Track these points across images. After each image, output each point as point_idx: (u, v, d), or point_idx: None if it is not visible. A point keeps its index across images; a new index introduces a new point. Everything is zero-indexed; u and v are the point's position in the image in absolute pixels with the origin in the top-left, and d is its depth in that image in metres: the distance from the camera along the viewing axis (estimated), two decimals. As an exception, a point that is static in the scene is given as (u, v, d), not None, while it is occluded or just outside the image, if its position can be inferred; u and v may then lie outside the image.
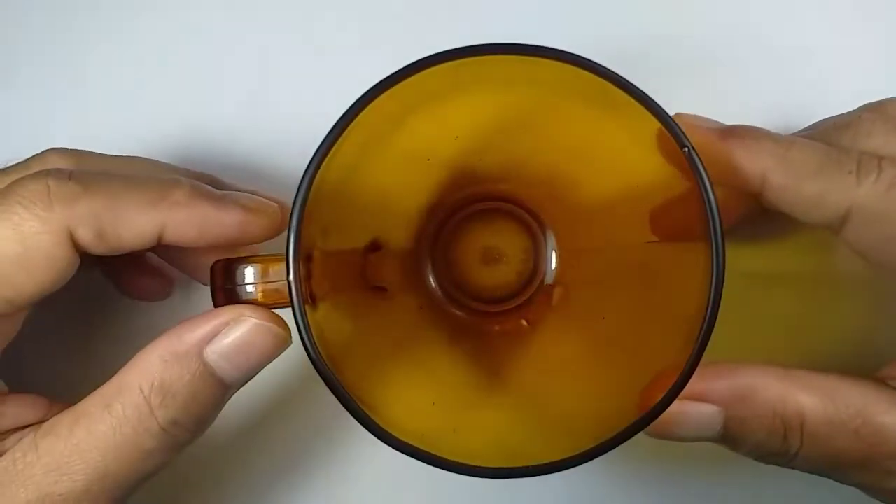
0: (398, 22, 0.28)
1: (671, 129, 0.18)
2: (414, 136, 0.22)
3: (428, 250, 0.27)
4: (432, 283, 0.27)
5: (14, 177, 0.21)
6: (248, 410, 0.27)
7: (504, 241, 0.27)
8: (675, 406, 0.18)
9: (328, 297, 0.21)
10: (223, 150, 0.27)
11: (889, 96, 0.23)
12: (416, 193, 0.25)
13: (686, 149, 0.18)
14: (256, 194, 0.22)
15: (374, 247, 0.25)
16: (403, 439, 0.19)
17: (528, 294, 0.27)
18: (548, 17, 0.28)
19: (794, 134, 0.24)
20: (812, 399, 0.20)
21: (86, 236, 0.19)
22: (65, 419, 0.20)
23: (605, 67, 0.18)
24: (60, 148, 0.23)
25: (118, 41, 0.28)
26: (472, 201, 0.27)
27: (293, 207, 0.18)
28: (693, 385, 0.19)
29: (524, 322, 0.27)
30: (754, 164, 0.20)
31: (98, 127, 0.27)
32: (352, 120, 0.18)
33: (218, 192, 0.21)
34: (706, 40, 0.27)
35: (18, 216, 0.19)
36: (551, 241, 0.27)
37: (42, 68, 0.28)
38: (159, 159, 0.26)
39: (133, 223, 0.20)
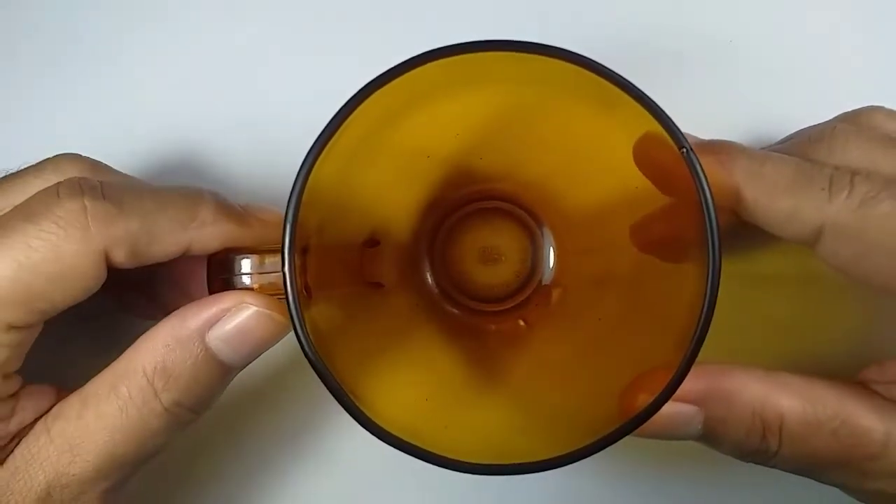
0: (394, 22, 0.28)
1: (669, 129, 0.18)
2: (412, 133, 0.22)
3: (426, 247, 0.27)
4: (429, 280, 0.27)
5: (28, 181, 0.22)
6: (241, 399, 0.27)
7: (502, 240, 0.27)
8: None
9: (324, 290, 0.21)
10: (220, 151, 0.27)
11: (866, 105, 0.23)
12: (414, 190, 0.25)
13: (684, 150, 0.18)
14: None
15: (372, 242, 0.25)
16: (394, 433, 0.19)
17: (526, 294, 0.27)
18: (544, 16, 0.28)
19: (770, 146, 0.24)
20: (791, 400, 0.21)
21: (119, 256, 0.20)
22: (73, 402, 0.21)
23: (602, 65, 0.18)
24: (74, 154, 0.23)
25: (113, 46, 0.28)
26: (471, 200, 0.27)
27: (289, 200, 0.18)
28: None
29: (521, 322, 0.27)
30: (728, 179, 0.21)
31: (93, 132, 0.27)
32: (348, 115, 0.18)
33: (239, 207, 0.22)
34: (693, 43, 0.27)
35: (56, 236, 0.19)
36: (549, 241, 0.27)
37: (39, 75, 0.28)
38: (158, 159, 0.26)
39: (164, 243, 0.20)
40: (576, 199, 0.25)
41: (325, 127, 0.18)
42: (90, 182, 0.20)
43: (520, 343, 0.26)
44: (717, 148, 0.21)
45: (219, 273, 0.21)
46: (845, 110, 0.24)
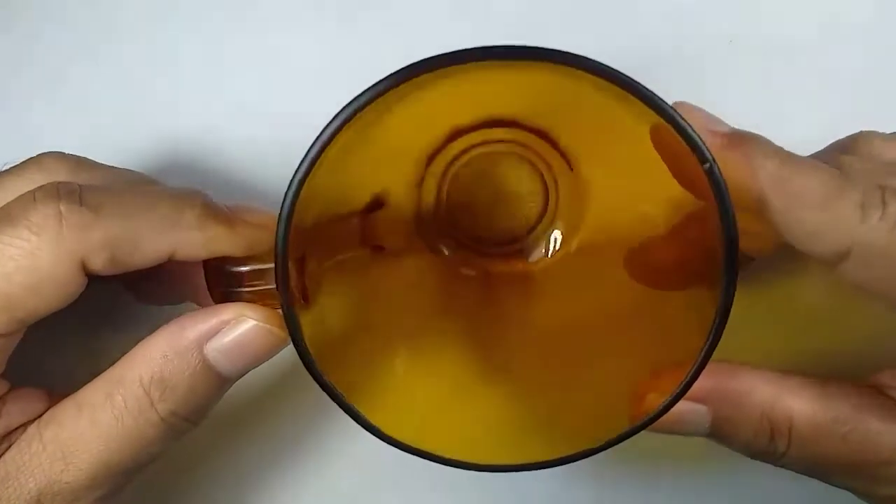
0: (395, 22, 0.27)
1: (692, 142, 0.17)
2: (414, 116, 0.21)
3: (433, 197, 0.26)
4: (434, 227, 0.26)
5: (11, 181, 0.21)
6: (240, 398, 0.27)
7: (514, 182, 0.26)
8: (662, 402, 0.19)
9: (323, 285, 0.21)
10: (219, 149, 0.27)
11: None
12: (418, 144, 0.25)
13: (707, 164, 0.17)
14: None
15: (376, 205, 0.24)
16: (403, 441, 0.19)
17: (537, 236, 0.26)
18: (543, 17, 0.27)
19: None
20: (801, 403, 0.20)
21: (98, 264, 0.19)
22: (67, 408, 0.20)
23: (615, 70, 0.17)
24: (57, 152, 0.22)
25: (105, 47, 0.27)
26: (480, 144, 0.26)
27: (279, 219, 0.18)
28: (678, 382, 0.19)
29: (532, 266, 0.26)
30: (753, 182, 0.19)
31: (83, 131, 0.27)
32: (333, 137, 0.17)
33: (227, 209, 0.21)
34: (693, 43, 0.27)
35: (29, 243, 0.19)
36: (564, 183, 0.26)
37: (28, 74, 0.27)
38: (149, 158, 0.26)
39: (146, 249, 0.20)
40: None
41: (312, 147, 0.17)
42: (69, 187, 0.19)
43: (527, 305, 0.26)
44: (747, 142, 0.20)
45: (217, 282, 0.21)
46: (845, 110, 0.24)
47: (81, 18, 0.27)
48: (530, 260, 0.26)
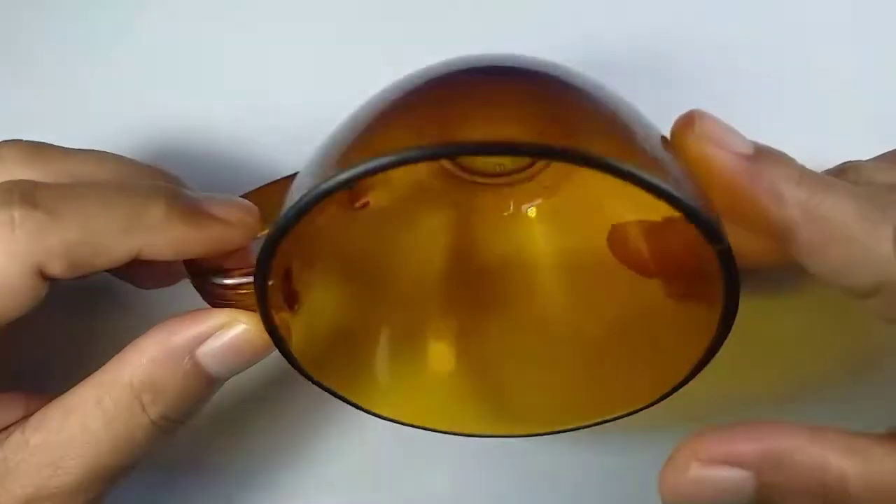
0: (396, 30, 0.27)
1: (706, 226, 0.16)
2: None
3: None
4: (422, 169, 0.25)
5: None
6: (235, 395, 0.27)
7: None
8: (704, 470, 0.18)
9: (314, 273, 0.21)
10: (212, 150, 0.27)
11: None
12: None
13: (719, 247, 0.16)
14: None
15: None
16: (394, 417, 0.20)
17: (530, 175, 0.25)
18: (542, 18, 0.27)
19: None
20: (852, 462, 0.18)
21: (56, 269, 0.19)
22: (54, 413, 0.20)
23: (617, 165, 0.15)
24: (15, 141, 0.21)
25: (105, 46, 0.27)
26: None
27: (256, 276, 0.17)
28: (720, 447, 0.18)
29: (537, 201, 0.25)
30: (781, 209, 0.18)
31: (82, 131, 0.26)
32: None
33: (194, 202, 0.20)
34: (692, 44, 0.26)
35: None
36: None
37: (28, 74, 0.27)
38: (149, 158, 0.25)
39: (108, 251, 0.19)
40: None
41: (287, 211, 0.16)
42: (23, 188, 0.19)
43: (519, 282, 0.25)
44: (769, 163, 0.18)
45: (205, 290, 0.21)
46: (845, 111, 0.23)
47: (82, 18, 0.27)
48: (524, 209, 0.26)
